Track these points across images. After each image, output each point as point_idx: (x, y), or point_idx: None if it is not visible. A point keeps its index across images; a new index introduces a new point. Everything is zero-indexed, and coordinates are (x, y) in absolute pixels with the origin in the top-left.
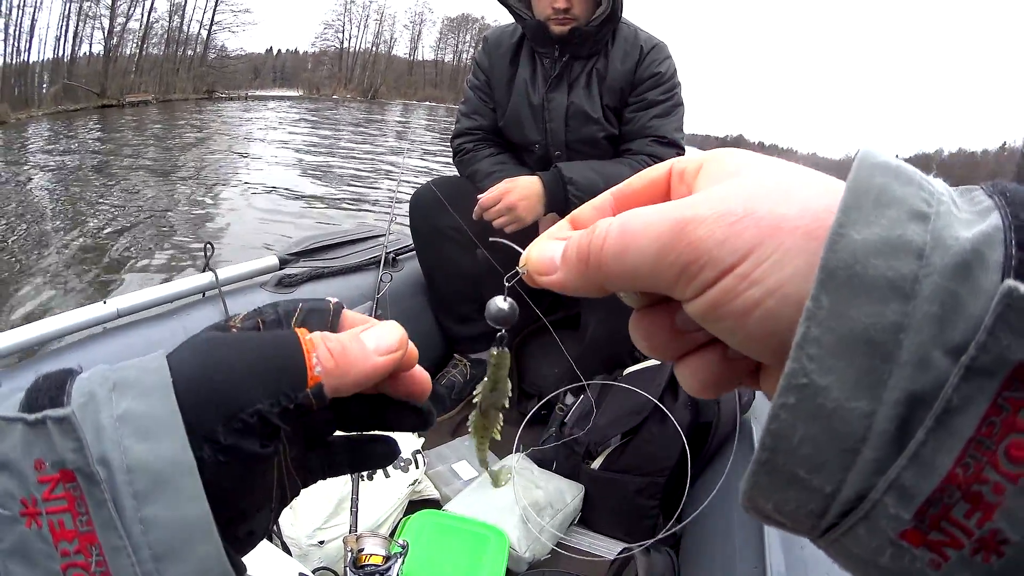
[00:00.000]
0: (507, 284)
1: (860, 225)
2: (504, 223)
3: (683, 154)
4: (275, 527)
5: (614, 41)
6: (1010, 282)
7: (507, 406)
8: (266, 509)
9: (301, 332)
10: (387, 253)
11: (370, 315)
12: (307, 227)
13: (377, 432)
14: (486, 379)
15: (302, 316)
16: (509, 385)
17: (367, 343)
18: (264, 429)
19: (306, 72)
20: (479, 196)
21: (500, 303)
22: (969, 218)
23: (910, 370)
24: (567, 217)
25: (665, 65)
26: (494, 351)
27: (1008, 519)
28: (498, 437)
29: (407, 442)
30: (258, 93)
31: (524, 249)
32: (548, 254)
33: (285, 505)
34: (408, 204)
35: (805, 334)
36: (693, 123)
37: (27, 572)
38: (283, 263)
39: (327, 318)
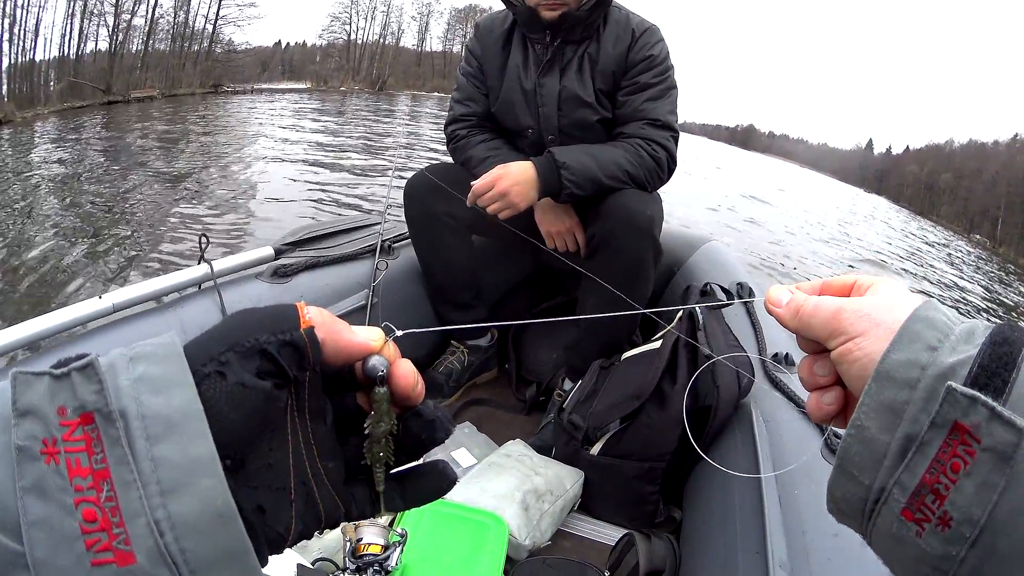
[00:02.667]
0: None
1: (898, 350)
2: (497, 210)
3: (677, 136)
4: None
5: (606, 25)
6: (949, 383)
7: (394, 432)
8: (283, 490)
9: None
10: (383, 241)
11: (366, 303)
12: (304, 217)
13: (426, 462)
14: (372, 412)
15: None
16: (393, 415)
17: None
18: (269, 366)
19: (314, 65)
20: (472, 183)
21: (376, 362)
22: (963, 348)
23: (908, 423)
24: (795, 284)
25: (657, 48)
26: (378, 389)
27: (951, 505)
28: (391, 459)
29: None
30: (265, 86)
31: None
32: (781, 296)
33: (319, 522)
34: (403, 191)
35: (862, 400)
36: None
37: (41, 507)
38: (279, 253)
39: None
